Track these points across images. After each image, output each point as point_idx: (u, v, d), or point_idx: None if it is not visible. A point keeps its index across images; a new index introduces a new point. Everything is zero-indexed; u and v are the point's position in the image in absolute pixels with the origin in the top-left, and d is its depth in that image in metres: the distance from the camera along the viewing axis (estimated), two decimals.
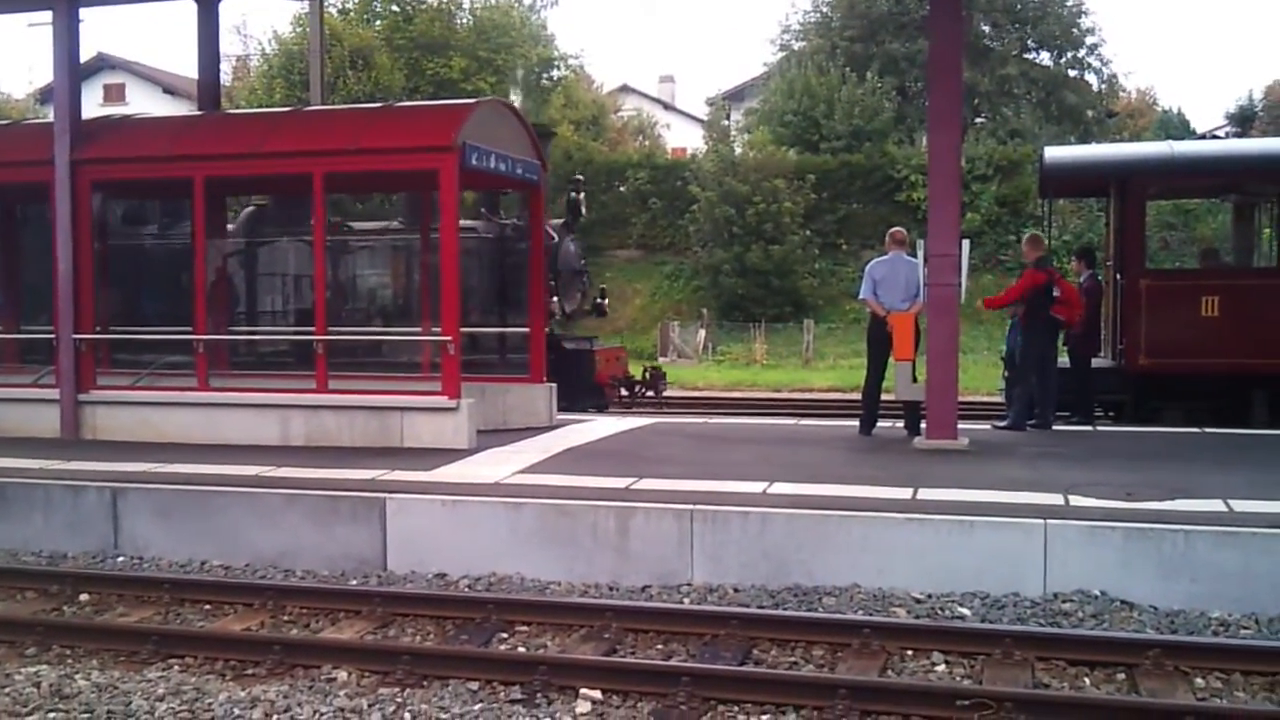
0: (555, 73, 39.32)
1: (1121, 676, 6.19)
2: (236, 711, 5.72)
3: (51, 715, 5.72)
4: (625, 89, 54.81)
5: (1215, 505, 7.64)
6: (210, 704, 5.83)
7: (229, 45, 40.43)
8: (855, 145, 35.09)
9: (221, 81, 16.83)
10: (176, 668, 6.66)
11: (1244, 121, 39.64)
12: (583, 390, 15.60)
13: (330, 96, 23.71)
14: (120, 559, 9.01)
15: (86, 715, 5.73)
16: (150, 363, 12.36)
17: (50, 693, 6.03)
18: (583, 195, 17.29)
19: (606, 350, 16.66)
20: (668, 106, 54.88)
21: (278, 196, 15.50)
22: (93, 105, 42.79)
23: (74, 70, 12.18)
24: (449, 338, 10.54)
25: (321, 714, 5.64)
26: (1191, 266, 15.88)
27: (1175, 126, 38.72)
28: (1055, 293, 11.89)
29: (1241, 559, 7.10)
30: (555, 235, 16.03)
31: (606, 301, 17.83)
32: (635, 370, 17.52)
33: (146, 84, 48.99)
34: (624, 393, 16.57)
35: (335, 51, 30.96)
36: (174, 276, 15.54)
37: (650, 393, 16.99)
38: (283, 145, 11.34)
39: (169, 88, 47.44)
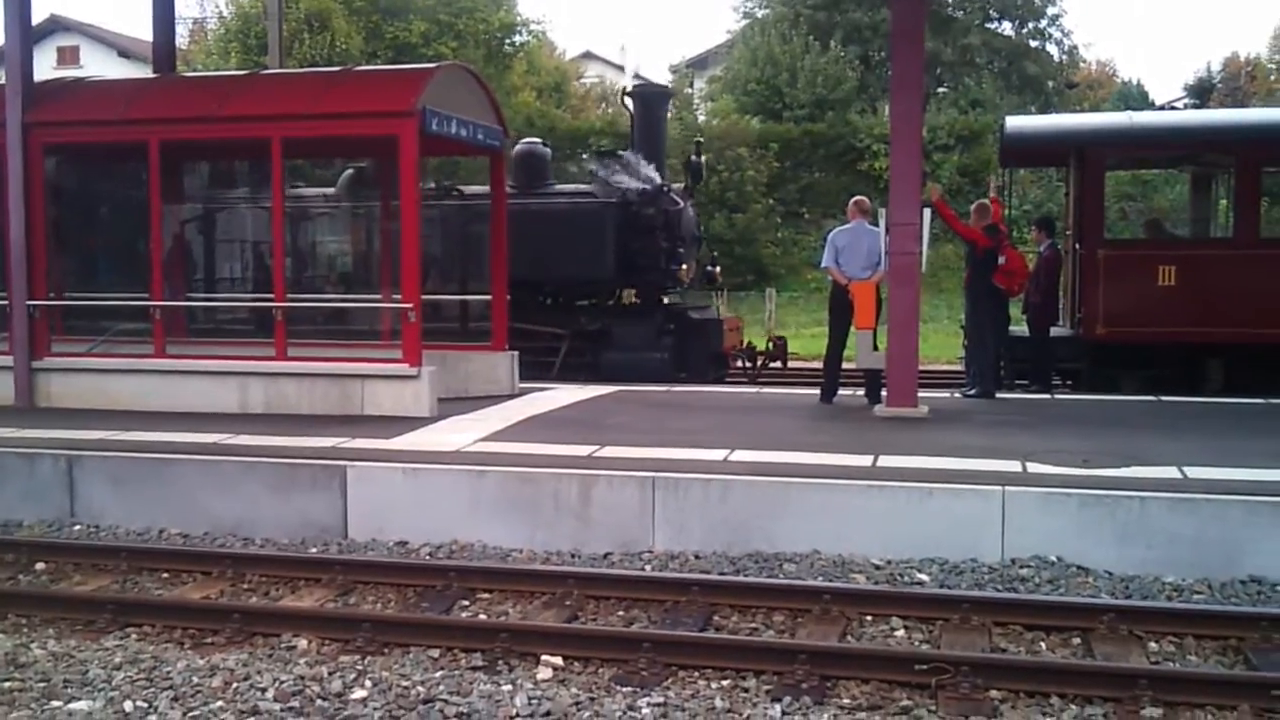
0: (517, 38, 38.93)
1: (1077, 640, 6.28)
2: (195, 680, 5.68)
3: (7, 684, 5.67)
4: (588, 56, 54.46)
5: (1170, 472, 7.75)
6: (169, 672, 5.79)
7: (185, 8, 39.94)
8: (818, 114, 35.06)
9: (177, 45, 16.56)
10: (134, 636, 6.62)
11: (1202, 93, 39.94)
12: (707, 361, 15.16)
13: (287, 61, 23.39)
14: (77, 527, 8.92)
15: (43, 684, 5.68)
16: (107, 329, 12.20)
17: (5, 661, 5.97)
18: (704, 159, 16.74)
19: (729, 319, 16.06)
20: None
21: (373, 159, 15.00)
22: (46, 68, 41.97)
23: (26, 32, 11.94)
24: (409, 305, 10.48)
25: (281, 682, 5.61)
26: (1153, 237, 16.03)
27: (1134, 97, 38.96)
28: (1000, 260, 11.98)
29: (1195, 525, 7.20)
30: (680, 201, 15.55)
31: (719, 269, 17.24)
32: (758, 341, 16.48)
33: (101, 47, 48.17)
34: (747, 364, 15.77)
35: (291, 14, 30.49)
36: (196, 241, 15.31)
37: (776, 363, 15.90)
38: (240, 109, 11.19)
39: (124, 51, 46.68)
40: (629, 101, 16.41)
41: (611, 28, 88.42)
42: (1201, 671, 5.80)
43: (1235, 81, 40.99)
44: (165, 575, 7.78)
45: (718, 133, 32.55)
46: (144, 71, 31.08)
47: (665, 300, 15.97)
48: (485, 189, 16.26)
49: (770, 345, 15.81)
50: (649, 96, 16.64)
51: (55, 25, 47.28)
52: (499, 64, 36.01)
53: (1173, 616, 6.43)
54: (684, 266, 15.40)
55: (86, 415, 10.64)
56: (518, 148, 16.17)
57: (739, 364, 15.78)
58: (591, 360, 15.06)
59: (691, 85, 43.21)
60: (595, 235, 14.93)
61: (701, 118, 35.92)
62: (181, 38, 35.27)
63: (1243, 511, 7.17)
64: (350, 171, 16.14)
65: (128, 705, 5.41)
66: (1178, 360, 13.06)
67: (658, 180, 15.23)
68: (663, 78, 48.10)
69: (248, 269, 16.01)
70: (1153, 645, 6.16)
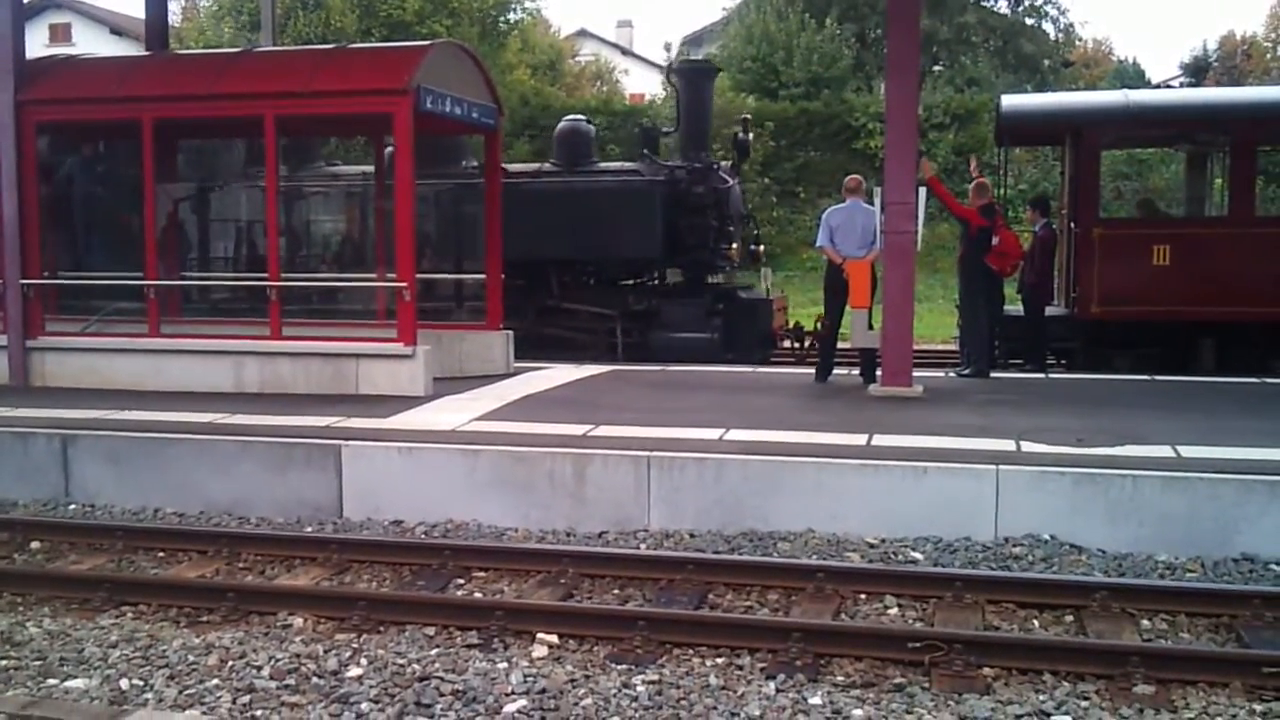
0: (512, 16, 38.75)
1: (1070, 618, 6.31)
2: (191, 658, 5.70)
3: (3, 662, 5.68)
4: (583, 34, 54.29)
5: (1163, 451, 7.76)
6: (164, 651, 5.81)
7: None
8: (814, 93, 34.93)
9: (170, 22, 16.46)
10: (130, 615, 6.64)
11: (1198, 72, 39.92)
12: (757, 342, 14.92)
13: (280, 38, 23.28)
14: (72, 507, 8.93)
15: (39, 662, 5.70)
16: (101, 308, 12.17)
17: (1, 640, 5.99)
18: (751, 135, 16.49)
19: (777, 299, 15.73)
20: (626, 52, 54.40)
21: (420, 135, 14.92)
22: (38, 45, 41.61)
23: (18, 9, 11.86)
24: (404, 284, 10.47)
25: (277, 660, 5.63)
26: (1145, 216, 16.04)
27: (1130, 76, 38.96)
28: (994, 240, 11.97)
29: (1187, 503, 7.23)
30: (728, 179, 15.29)
31: (763, 248, 16.93)
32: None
33: (93, 24, 47.88)
34: (795, 344, 15.33)
35: None
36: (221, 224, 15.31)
37: None
38: (233, 87, 11.13)
39: (116, 28, 46.42)
40: (674, 79, 16.16)
41: (606, 5, 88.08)
42: (1193, 649, 5.84)
43: (1231, 60, 40.94)
44: (161, 554, 7.79)
45: (713, 111, 32.38)
46: (137, 49, 30.95)
47: (709, 280, 15.71)
48: (526, 166, 16.23)
49: (819, 326, 15.07)
50: (694, 73, 16.31)
51: (47, 2, 46.97)
52: (493, 42, 35.83)
53: (1165, 594, 6.46)
54: (734, 246, 15.20)
55: (81, 395, 10.62)
56: (561, 125, 16.00)
57: (786, 344, 15.53)
58: (639, 340, 14.90)
59: None
60: (643, 214, 14.67)
61: None
62: (174, 15, 35.08)
63: (1236, 490, 7.20)
64: (390, 150, 15.89)
65: (124, 683, 5.43)
66: (1172, 339, 13.07)
67: (705, 158, 15.04)
68: (658, 56, 48.06)
69: (249, 248, 15.87)
70: (1145, 623, 6.20)
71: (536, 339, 14.89)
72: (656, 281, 15.92)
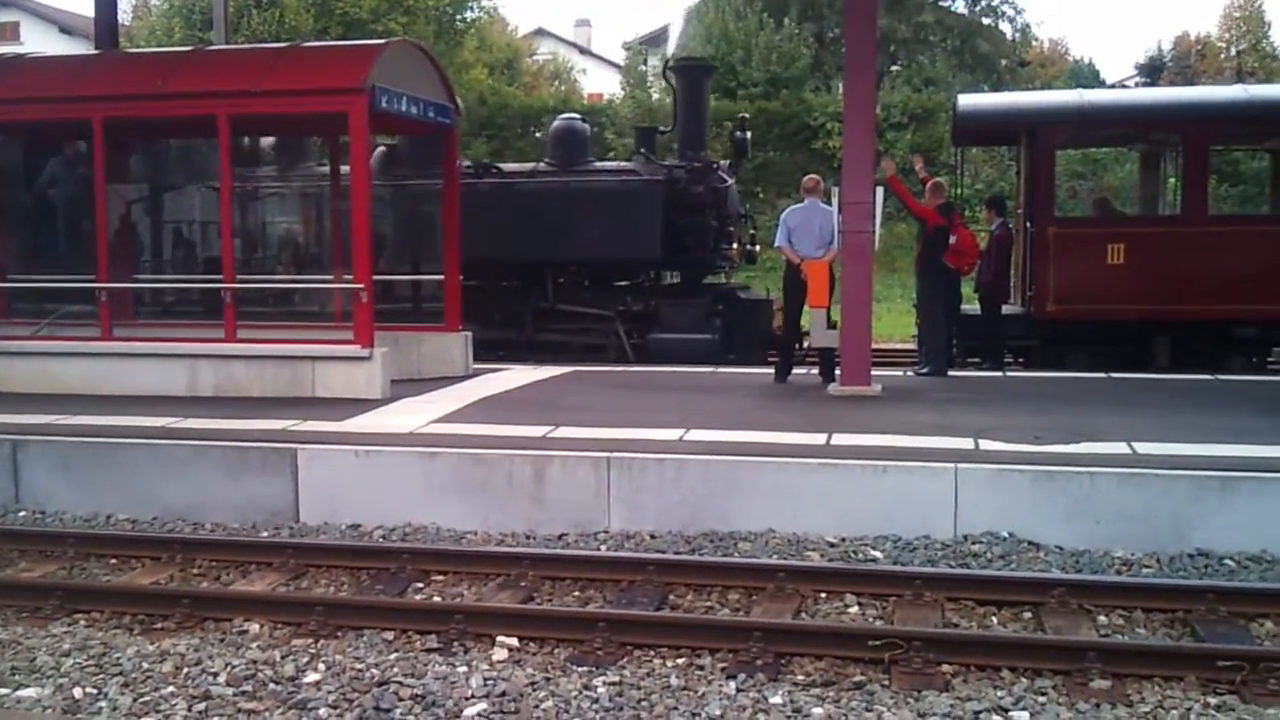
0: (469, 14, 38.61)
1: (1028, 615, 6.35)
2: (145, 665, 5.62)
3: None
4: (540, 33, 54.22)
5: (1119, 448, 7.83)
6: (118, 658, 5.73)
7: None
8: (772, 92, 35.02)
9: (120, 20, 16.26)
10: (83, 623, 6.53)
11: (1153, 72, 40.45)
12: (758, 343, 14.69)
13: (234, 37, 23.04)
14: (22, 514, 8.78)
15: None
16: (52, 311, 11.98)
17: None
18: (749, 135, 16.31)
19: (776, 300, 15.07)
20: (584, 51, 54.38)
21: (408, 137, 14.43)
22: None
23: None
24: (361, 285, 10.39)
25: (233, 666, 5.57)
26: (1100, 215, 16.20)
27: (1086, 76, 39.38)
28: (951, 240, 12.05)
29: (1143, 500, 7.30)
30: (727, 179, 15.02)
31: (759, 248, 16.65)
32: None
33: (41, 22, 47.34)
34: (796, 345, 14.69)
35: None
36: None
37: None
38: (185, 86, 10.99)
39: (65, 26, 45.91)
40: (671, 77, 15.99)
41: (564, 4, 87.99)
42: (1149, 644, 5.89)
43: (1185, 60, 41.48)
44: (114, 561, 7.68)
45: (670, 111, 32.40)
46: (86, 48, 30.54)
47: (707, 280, 15.52)
48: (521, 166, 16.05)
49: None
50: (692, 71, 16.08)
51: None
52: (450, 40, 35.70)
53: (1122, 590, 6.52)
54: (734, 246, 15.05)
55: (32, 399, 10.45)
56: (555, 124, 15.83)
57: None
58: (637, 342, 14.72)
59: (645, 63, 43.06)
60: (643, 214, 14.38)
61: (655, 96, 35.78)
62: (124, 13, 34.70)
63: (1190, 486, 7.27)
64: (382, 149, 15.67)
65: (77, 692, 5.35)
66: (1127, 337, 13.21)
67: (704, 157, 14.93)
68: (616, 55, 48.03)
69: (206, 250, 15.66)
70: (1102, 619, 6.25)
71: (532, 344, 14.79)
72: (653, 282, 15.73)
